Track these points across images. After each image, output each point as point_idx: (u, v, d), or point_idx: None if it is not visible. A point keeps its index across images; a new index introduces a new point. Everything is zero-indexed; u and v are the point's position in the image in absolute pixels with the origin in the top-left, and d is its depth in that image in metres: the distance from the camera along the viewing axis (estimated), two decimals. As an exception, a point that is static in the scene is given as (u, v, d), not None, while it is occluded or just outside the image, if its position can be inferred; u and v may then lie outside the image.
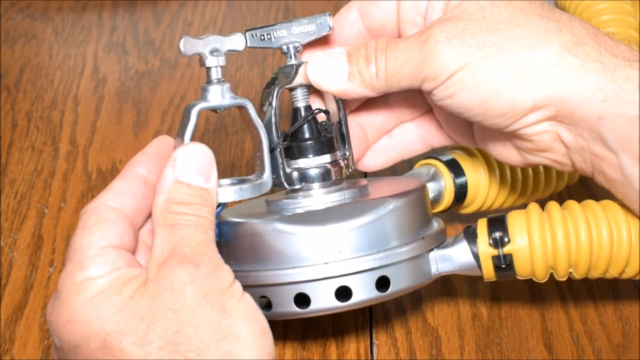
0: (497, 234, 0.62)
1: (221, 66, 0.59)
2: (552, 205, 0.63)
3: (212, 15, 1.03)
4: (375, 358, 0.66)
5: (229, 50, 0.60)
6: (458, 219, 0.77)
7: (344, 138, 0.65)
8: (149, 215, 0.57)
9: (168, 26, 1.01)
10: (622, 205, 0.61)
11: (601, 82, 0.56)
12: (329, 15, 0.62)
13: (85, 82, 0.93)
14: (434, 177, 0.70)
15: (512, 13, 0.58)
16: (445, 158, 0.70)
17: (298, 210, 0.62)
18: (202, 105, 0.59)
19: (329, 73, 0.61)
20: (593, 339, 0.67)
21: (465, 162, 0.70)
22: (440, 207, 0.70)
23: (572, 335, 0.67)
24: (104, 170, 0.83)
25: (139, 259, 0.55)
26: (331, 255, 0.60)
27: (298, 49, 0.63)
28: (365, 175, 0.78)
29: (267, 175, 0.61)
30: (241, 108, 0.60)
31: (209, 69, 0.59)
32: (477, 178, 0.70)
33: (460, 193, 0.70)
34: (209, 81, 0.59)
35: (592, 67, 0.56)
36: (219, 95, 0.59)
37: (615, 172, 0.57)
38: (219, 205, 0.59)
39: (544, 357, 0.66)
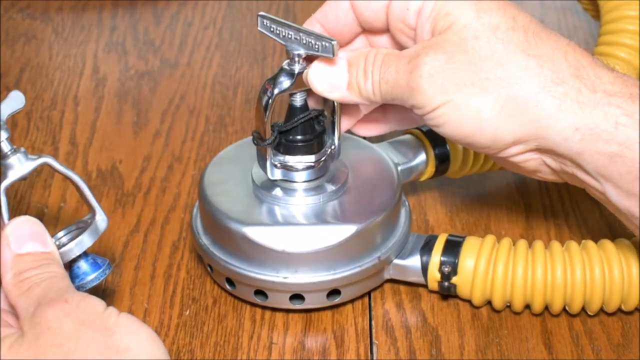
0: (446, 269, 0.67)
1: (7, 138, 0.58)
2: (504, 244, 0.68)
3: (212, 15, 1.03)
4: (375, 358, 0.66)
5: (10, 114, 0.58)
6: (452, 213, 0.77)
7: (334, 127, 0.67)
8: None
9: (168, 26, 1.01)
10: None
11: (579, 123, 0.56)
12: (336, 43, 0.61)
13: (85, 82, 0.93)
14: (417, 147, 0.73)
15: (494, 47, 0.57)
16: (425, 128, 0.74)
17: (270, 217, 0.66)
18: (5, 182, 0.58)
19: (330, 81, 0.62)
20: (593, 339, 0.67)
21: None
22: (425, 176, 0.74)
23: (572, 335, 0.67)
24: (104, 170, 0.83)
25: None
26: (288, 273, 0.66)
27: (302, 56, 0.63)
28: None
29: (99, 213, 0.61)
30: (46, 165, 0.59)
31: None
32: (459, 145, 0.73)
33: (443, 160, 0.73)
34: (3, 156, 0.58)
35: (570, 108, 0.56)
36: (18, 165, 0.58)
37: (602, 195, 0.58)
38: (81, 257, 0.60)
39: (543, 357, 0.66)
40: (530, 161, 0.60)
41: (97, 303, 0.53)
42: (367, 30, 0.65)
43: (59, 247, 0.58)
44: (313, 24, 0.65)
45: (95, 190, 0.80)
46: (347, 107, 0.67)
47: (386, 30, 0.64)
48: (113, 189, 0.81)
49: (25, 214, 0.78)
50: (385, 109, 0.68)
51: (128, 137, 0.86)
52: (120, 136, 0.87)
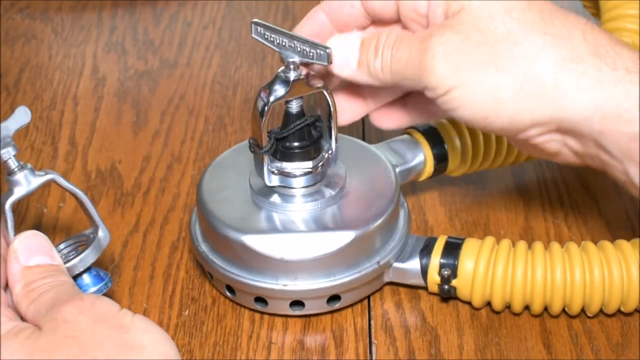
0: (446, 273, 0.67)
1: (15, 155, 0.58)
2: (503, 246, 0.67)
3: (211, 15, 1.03)
4: (374, 357, 0.66)
5: (17, 130, 0.59)
6: (452, 213, 0.77)
7: (331, 131, 0.66)
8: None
9: (167, 26, 1.01)
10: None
11: (599, 101, 0.55)
12: (331, 50, 0.61)
13: (84, 82, 0.93)
14: (415, 147, 0.73)
15: (509, 27, 0.57)
16: (423, 127, 0.74)
17: (268, 224, 0.66)
18: (12, 199, 0.58)
19: (341, 58, 0.62)
20: (592, 338, 0.67)
21: (444, 129, 0.72)
22: (424, 176, 0.74)
23: (571, 334, 0.67)
24: (103, 170, 0.83)
25: None
26: (288, 280, 0.65)
27: (296, 63, 0.63)
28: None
29: (102, 229, 0.61)
30: (52, 181, 0.59)
31: (5, 162, 0.58)
32: (457, 144, 0.73)
33: (442, 160, 0.73)
34: (10, 172, 0.58)
35: (589, 86, 0.55)
36: (24, 182, 0.58)
37: (624, 176, 0.57)
38: (87, 270, 0.60)
39: (542, 357, 0.66)
40: (551, 143, 0.59)
41: (111, 303, 0.54)
42: (376, 22, 0.65)
43: (63, 261, 0.59)
44: (317, 13, 0.65)
45: (95, 190, 0.80)
46: (369, 90, 0.66)
47: (396, 20, 0.64)
48: (112, 189, 0.81)
49: (25, 214, 0.79)
50: (405, 100, 0.68)
51: (127, 137, 0.86)
52: (120, 136, 0.87)
